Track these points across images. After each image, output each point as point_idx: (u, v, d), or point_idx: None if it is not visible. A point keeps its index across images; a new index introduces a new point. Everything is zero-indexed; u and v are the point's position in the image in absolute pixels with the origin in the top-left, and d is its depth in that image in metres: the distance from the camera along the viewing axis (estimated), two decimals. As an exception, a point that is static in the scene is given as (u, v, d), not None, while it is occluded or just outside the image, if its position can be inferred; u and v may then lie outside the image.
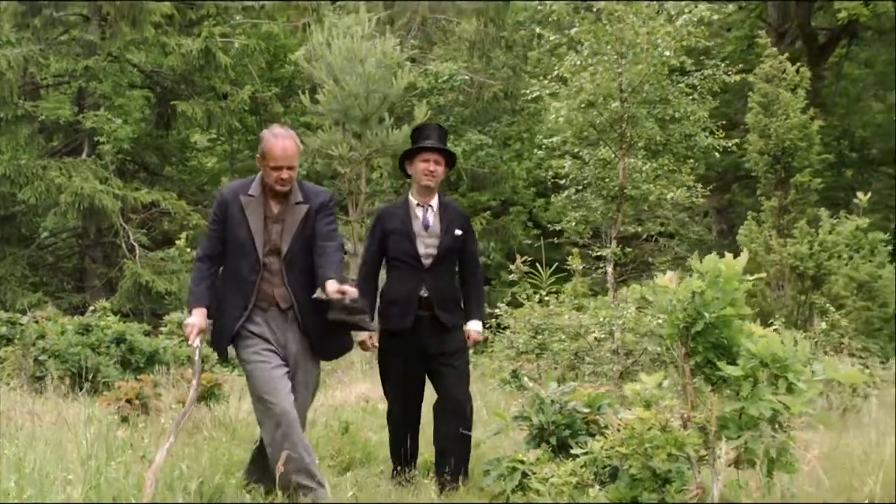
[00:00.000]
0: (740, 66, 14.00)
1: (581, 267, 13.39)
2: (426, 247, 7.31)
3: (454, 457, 7.11)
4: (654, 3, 12.80)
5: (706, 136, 13.16)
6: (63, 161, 24.15)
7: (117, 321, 16.10)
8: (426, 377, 7.44)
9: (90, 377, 12.98)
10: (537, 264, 13.53)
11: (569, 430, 6.26)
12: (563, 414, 6.29)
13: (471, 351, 7.66)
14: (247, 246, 6.60)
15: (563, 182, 13.08)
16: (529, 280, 13.13)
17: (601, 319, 10.45)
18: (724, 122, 14.67)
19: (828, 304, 11.87)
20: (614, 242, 12.23)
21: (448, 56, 27.16)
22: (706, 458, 5.52)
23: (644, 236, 23.38)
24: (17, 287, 23.98)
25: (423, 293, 7.24)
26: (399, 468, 7.29)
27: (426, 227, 7.32)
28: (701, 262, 5.78)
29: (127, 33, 24.20)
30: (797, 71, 14.79)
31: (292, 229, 6.64)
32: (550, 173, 13.73)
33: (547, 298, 11.84)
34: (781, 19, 25.33)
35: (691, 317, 5.76)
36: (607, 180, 12.47)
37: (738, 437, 5.51)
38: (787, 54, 15.15)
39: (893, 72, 25.83)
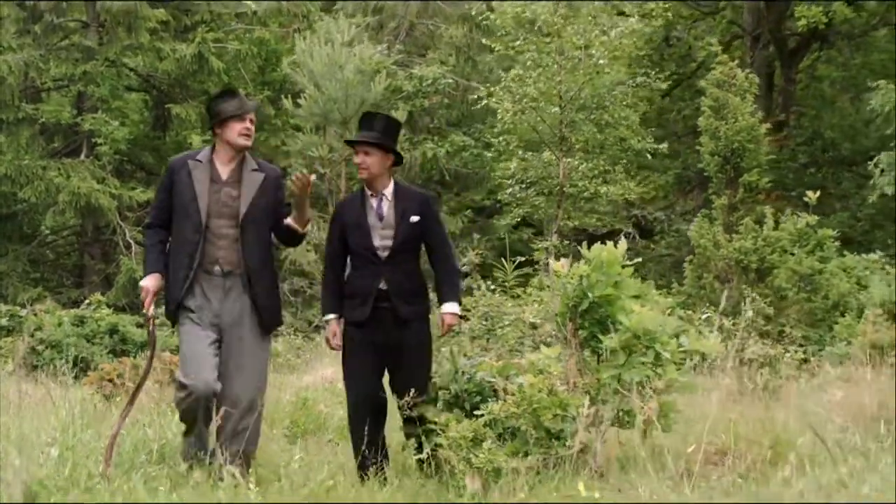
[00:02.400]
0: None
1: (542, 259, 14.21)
2: (381, 238, 7.07)
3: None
4: (591, 17, 13.69)
5: (639, 141, 14.05)
6: (62, 162, 24.93)
7: (111, 313, 16.95)
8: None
9: (83, 364, 13.83)
10: (502, 258, 14.38)
11: (479, 397, 7.05)
12: (474, 383, 7.13)
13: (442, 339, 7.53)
14: (191, 208, 6.76)
15: (508, 182, 14.01)
16: (496, 272, 14.00)
17: (538, 307, 11.33)
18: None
19: (753, 294, 12.78)
20: (555, 236, 13.08)
21: (439, 59, 27.94)
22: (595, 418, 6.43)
23: (622, 233, 24.30)
24: (19, 282, 24.78)
25: (382, 286, 7.02)
26: (362, 461, 6.88)
27: (380, 217, 7.09)
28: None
29: (123, 38, 24.95)
30: (746, 77, 15.65)
31: (250, 195, 6.82)
32: (498, 173, 14.67)
33: (493, 288, 12.70)
34: (756, 24, 26.14)
35: (579, 297, 6.70)
36: (549, 179, 13.36)
37: (613, 401, 6.44)
38: (737, 61, 16.00)
39: (865, 75, 26.59)
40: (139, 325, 16.98)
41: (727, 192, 15.51)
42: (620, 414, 6.48)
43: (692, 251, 15.30)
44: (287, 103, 19.98)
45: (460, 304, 7.31)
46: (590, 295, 6.60)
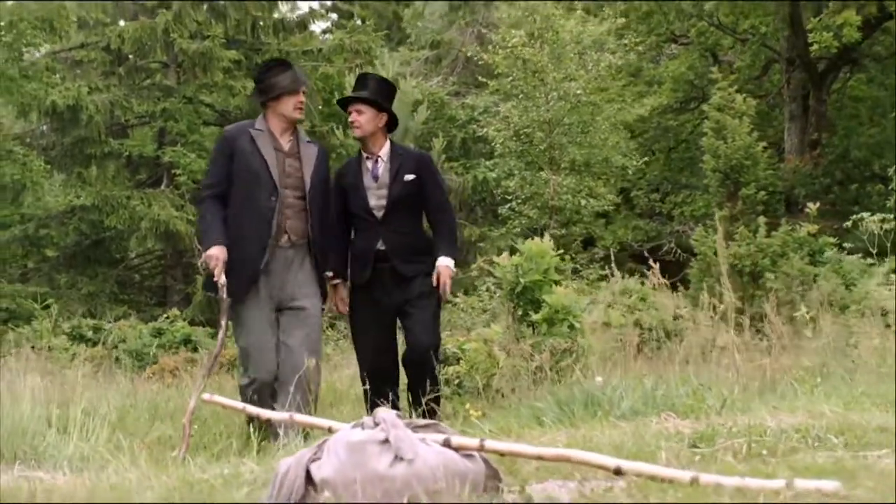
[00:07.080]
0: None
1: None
2: (377, 199, 7.20)
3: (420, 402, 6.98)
4: (573, 54, 15.45)
5: (621, 158, 15.73)
6: (144, 192, 26.83)
7: (185, 325, 18.81)
8: (396, 330, 7.52)
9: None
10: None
11: (443, 363, 8.80)
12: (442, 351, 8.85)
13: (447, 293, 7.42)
14: (262, 175, 6.74)
15: (509, 198, 15.80)
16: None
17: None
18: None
19: (723, 291, 14.21)
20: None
21: (495, 88, 29.65)
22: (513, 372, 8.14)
23: (664, 248, 25.68)
24: (107, 302, 26.80)
25: (380, 246, 7.17)
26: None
27: (375, 178, 7.22)
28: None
29: (199, 77, 26.60)
30: (743, 101, 17.11)
31: (310, 167, 6.94)
32: (500, 191, 16.48)
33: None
34: (790, 48, 27.49)
35: (515, 282, 8.42)
36: (541, 195, 15.10)
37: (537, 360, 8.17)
38: (736, 87, 17.44)
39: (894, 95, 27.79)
40: (213, 336, 18.75)
41: (728, 205, 16.94)
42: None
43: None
44: (339, 133, 21.87)
45: (456, 260, 7.45)
46: (522, 280, 8.31)
